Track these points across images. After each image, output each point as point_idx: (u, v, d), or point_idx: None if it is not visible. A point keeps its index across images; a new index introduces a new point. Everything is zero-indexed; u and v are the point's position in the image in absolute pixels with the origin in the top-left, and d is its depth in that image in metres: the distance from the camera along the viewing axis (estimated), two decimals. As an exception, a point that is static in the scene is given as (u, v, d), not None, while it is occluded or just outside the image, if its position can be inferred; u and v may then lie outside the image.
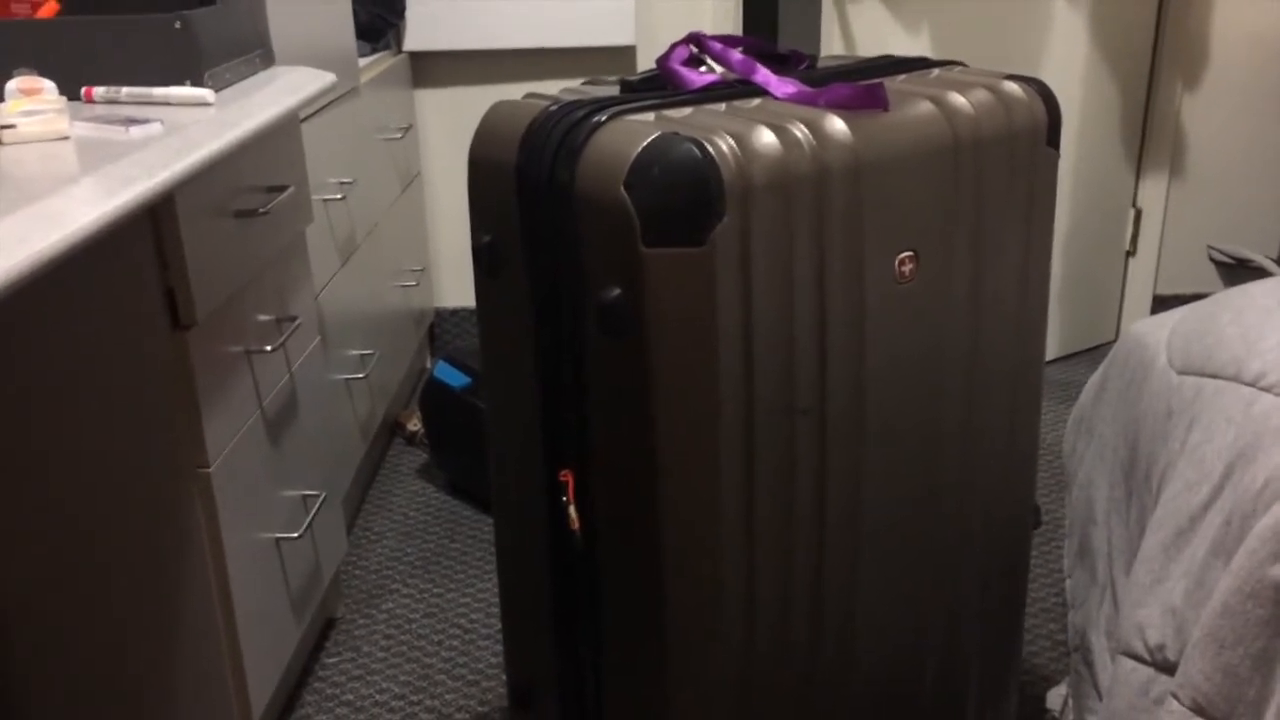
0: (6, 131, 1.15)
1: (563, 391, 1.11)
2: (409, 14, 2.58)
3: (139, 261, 1.23)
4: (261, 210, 1.44)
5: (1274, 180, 2.75)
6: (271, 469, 1.50)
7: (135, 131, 1.17)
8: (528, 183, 1.08)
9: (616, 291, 1.00)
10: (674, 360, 1.00)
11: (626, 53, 2.63)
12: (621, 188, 0.97)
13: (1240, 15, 2.62)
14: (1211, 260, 2.82)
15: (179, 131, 1.20)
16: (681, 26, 2.60)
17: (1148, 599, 1.16)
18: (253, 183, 1.46)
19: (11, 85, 1.20)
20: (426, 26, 2.59)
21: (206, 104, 1.32)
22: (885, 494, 1.18)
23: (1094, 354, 2.81)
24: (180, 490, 1.31)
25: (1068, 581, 1.53)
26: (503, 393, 1.22)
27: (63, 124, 1.17)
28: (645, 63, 2.63)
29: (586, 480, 1.11)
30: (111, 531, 1.33)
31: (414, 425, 2.46)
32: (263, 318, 1.49)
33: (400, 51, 2.60)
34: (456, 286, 2.88)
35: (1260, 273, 2.66)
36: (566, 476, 1.12)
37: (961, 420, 1.23)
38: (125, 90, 1.33)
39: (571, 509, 1.11)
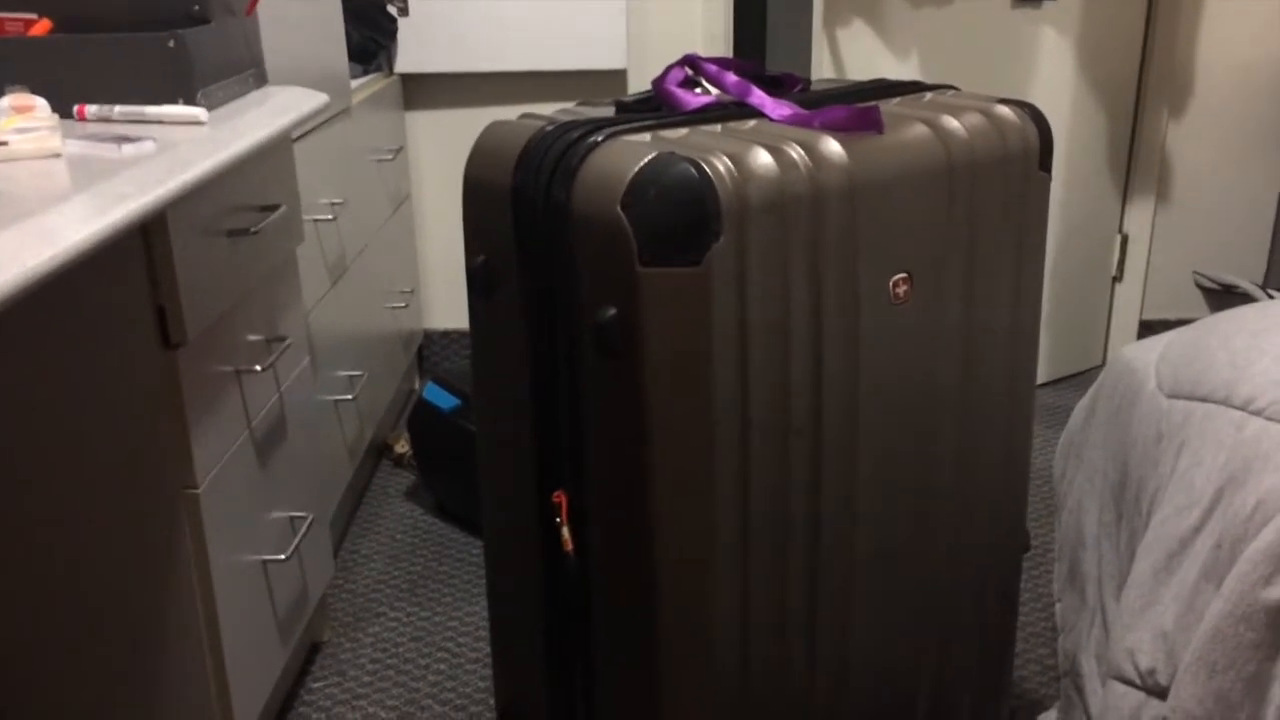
0: (-2, 148, 1.14)
1: (556, 411, 1.11)
2: (401, 36, 2.58)
3: (130, 280, 1.22)
4: (253, 229, 1.43)
5: (1259, 207, 2.77)
6: (259, 490, 1.49)
7: (128, 149, 1.17)
8: (523, 202, 1.08)
9: (612, 311, 0.99)
10: (669, 379, 1.00)
11: (618, 76, 2.64)
12: (618, 207, 0.97)
13: (1225, 45, 2.65)
14: (1198, 286, 2.85)
15: (171, 150, 1.19)
16: (672, 50, 2.62)
17: (1138, 623, 1.16)
18: (244, 202, 1.46)
19: (4, 103, 1.19)
20: (418, 49, 2.59)
21: (199, 123, 1.32)
22: (879, 515, 1.18)
23: (1082, 379, 2.82)
24: (168, 511, 1.29)
25: (1058, 606, 1.53)
26: (495, 413, 1.22)
27: (55, 141, 1.17)
28: (636, 86, 2.64)
29: (580, 501, 1.11)
30: (97, 551, 1.32)
31: (402, 448, 2.45)
32: (253, 337, 1.48)
33: (392, 73, 2.61)
34: (445, 308, 2.87)
35: (1246, 298, 2.68)
36: (560, 497, 1.11)
37: (954, 441, 1.23)
38: (118, 108, 1.33)
39: (565, 530, 1.11)
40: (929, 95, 1.26)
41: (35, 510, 1.30)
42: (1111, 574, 1.34)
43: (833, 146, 1.05)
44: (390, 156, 2.47)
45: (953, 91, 1.30)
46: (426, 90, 2.68)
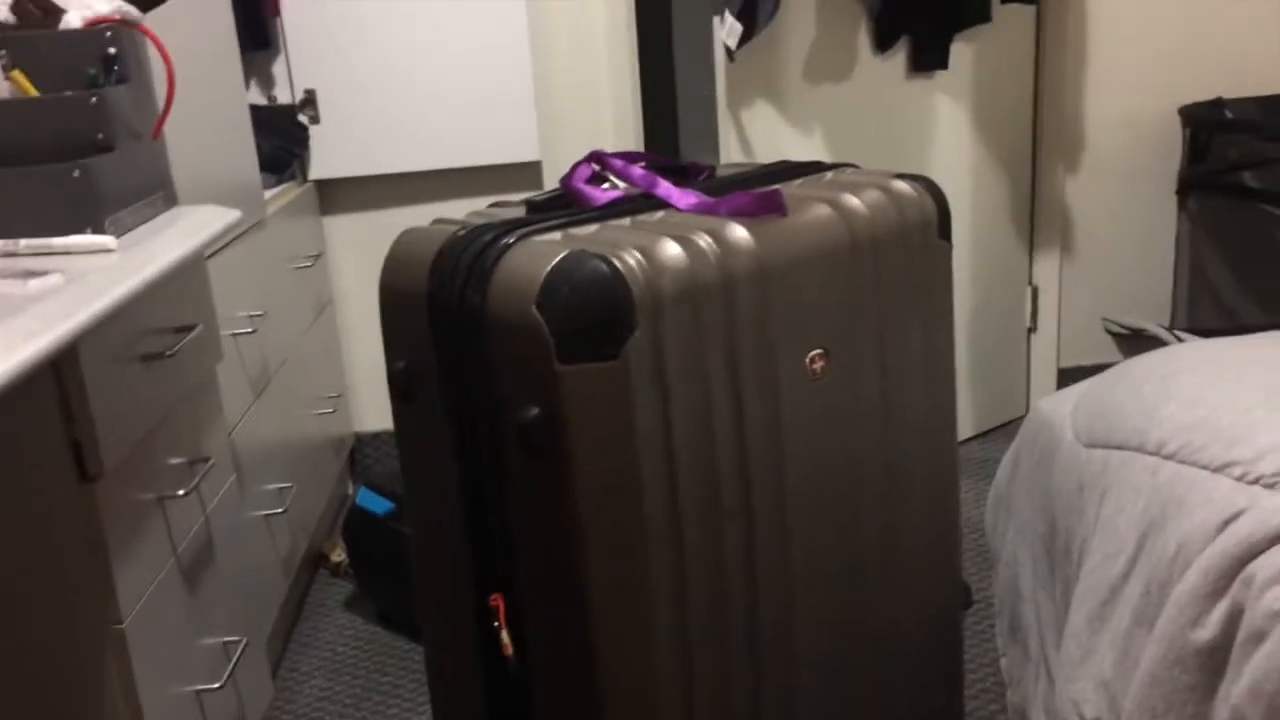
0: (-102, 292, 1.12)
1: (487, 514, 1.10)
2: (313, 143, 2.60)
3: (42, 415, 1.20)
4: (169, 352, 1.42)
5: (1158, 251, 2.89)
6: (189, 618, 1.45)
7: (34, 285, 1.15)
8: (439, 308, 1.08)
9: (535, 410, 1.00)
10: (596, 473, 1.00)
11: (532, 168, 2.68)
12: (533, 308, 0.98)
13: (1108, 100, 2.78)
14: (1108, 332, 2.94)
15: (80, 281, 1.18)
16: (584, 140, 2.67)
17: (1079, 673, 1.17)
18: (159, 325, 1.44)
19: (-97, 244, 1.17)
20: (332, 154, 2.61)
21: (108, 250, 1.31)
22: (815, 586, 1.18)
23: (1008, 429, 2.88)
24: (93, 649, 1.25)
25: (1003, 660, 1.54)
26: (427, 518, 1.21)
27: (-42, 280, 1.15)
28: (551, 176, 2.68)
29: (518, 603, 1.10)
30: (19, 692, 1.26)
31: (338, 556, 2.40)
32: (174, 461, 1.45)
33: (306, 180, 2.61)
34: (376, 410, 2.85)
35: (1156, 341, 2.78)
36: (497, 601, 1.10)
37: (882, 507, 1.25)
38: (24, 242, 1.31)
39: (504, 634, 1.09)
40: (829, 174, 1.30)
41: (-48, 661, 1.25)
42: (1050, 625, 1.36)
43: (739, 233, 1.08)
44: (309, 263, 2.46)
45: (852, 169, 1.34)
46: (343, 195, 2.69)
